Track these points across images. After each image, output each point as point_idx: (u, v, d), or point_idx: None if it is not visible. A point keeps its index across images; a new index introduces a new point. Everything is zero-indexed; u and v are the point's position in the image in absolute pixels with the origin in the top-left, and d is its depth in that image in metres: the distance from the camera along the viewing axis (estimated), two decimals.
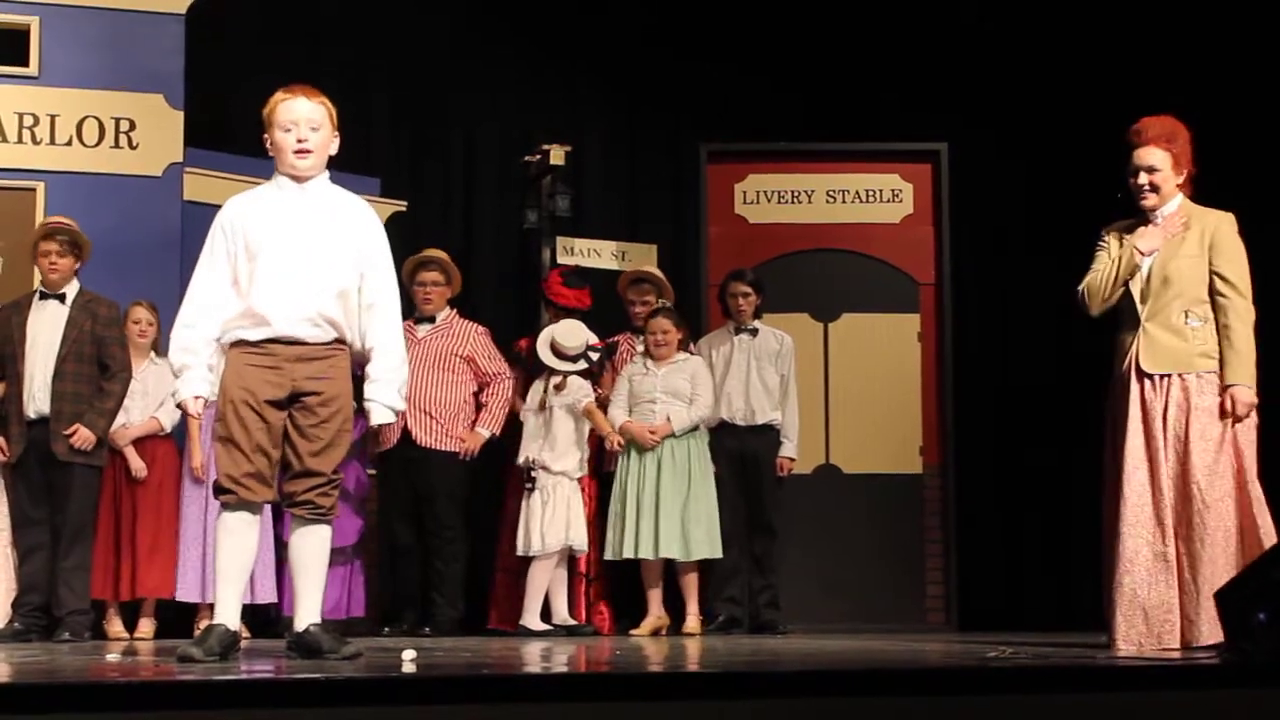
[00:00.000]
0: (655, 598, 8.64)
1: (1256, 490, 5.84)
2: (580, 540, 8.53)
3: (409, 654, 4.95)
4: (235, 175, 8.65)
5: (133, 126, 8.86)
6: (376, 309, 5.40)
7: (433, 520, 8.70)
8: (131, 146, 8.85)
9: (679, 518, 8.51)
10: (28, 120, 8.77)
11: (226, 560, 5.23)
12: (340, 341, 5.36)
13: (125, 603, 8.28)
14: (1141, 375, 5.97)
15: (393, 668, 4.52)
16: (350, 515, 8.42)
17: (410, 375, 7.75)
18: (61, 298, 7.93)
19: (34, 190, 8.70)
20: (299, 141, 5.32)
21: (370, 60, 9.99)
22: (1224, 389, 5.89)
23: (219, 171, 8.94)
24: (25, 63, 8.82)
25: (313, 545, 5.33)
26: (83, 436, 7.77)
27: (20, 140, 8.77)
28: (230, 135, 9.10)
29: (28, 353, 7.86)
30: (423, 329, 8.75)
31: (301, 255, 5.28)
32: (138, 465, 8.24)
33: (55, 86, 8.81)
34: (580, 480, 8.64)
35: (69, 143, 8.80)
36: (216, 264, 5.34)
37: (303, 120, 5.33)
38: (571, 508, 8.51)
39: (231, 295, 5.31)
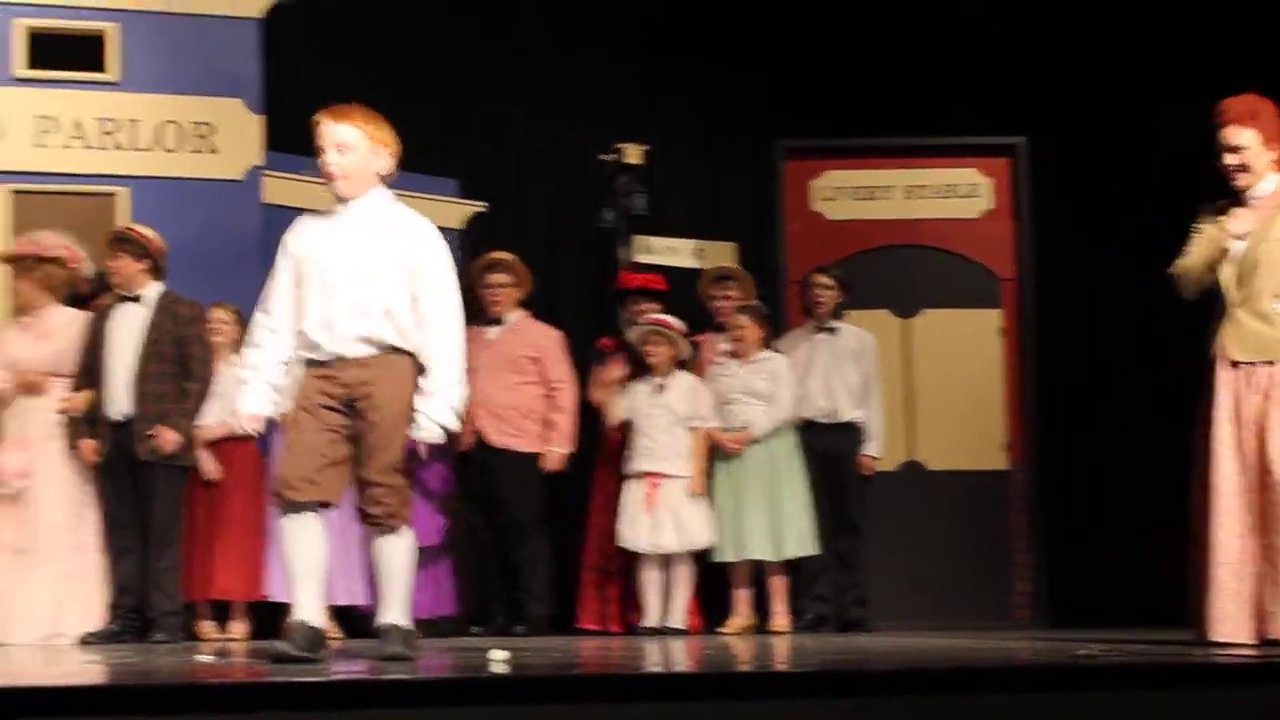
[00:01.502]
0: (743, 598, 8.63)
1: None
2: (658, 543, 8.47)
3: (498, 654, 4.94)
4: (316, 179, 8.63)
5: (212, 130, 8.90)
6: (431, 327, 5.40)
7: (508, 518, 8.68)
8: (212, 151, 8.90)
9: (765, 519, 8.50)
10: (108, 126, 8.84)
11: (291, 561, 5.34)
12: (396, 349, 5.37)
13: (217, 604, 8.28)
14: (1231, 363, 5.82)
15: (480, 668, 4.52)
16: (431, 514, 8.40)
17: (481, 377, 7.70)
18: (138, 299, 7.98)
19: (116, 196, 8.75)
20: (325, 166, 5.40)
21: (449, 62, 9.99)
22: None
23: (299, 175, 8.94)
24: (105, 69, 8.88)
25: (385, 554, 5.41)
26: (166, 439, 7.81)
27: (102, 147, 8.83)
28: (311, 139, 9.11)
29: (108, 356, 7.91)
30: (492, 331, 8.72)
31: (344, 278, 5.34)
32: (209, 468, 8.25)
33: (135, 92, 8.86)
34: (651, 477, 8.56)
35: (149, 148, 8.86)
36: (280, 285, 5.47)
37: (330, 145, 5.41)
38: (648, 510, 8.46)
39: (297, 316, 5.40)
